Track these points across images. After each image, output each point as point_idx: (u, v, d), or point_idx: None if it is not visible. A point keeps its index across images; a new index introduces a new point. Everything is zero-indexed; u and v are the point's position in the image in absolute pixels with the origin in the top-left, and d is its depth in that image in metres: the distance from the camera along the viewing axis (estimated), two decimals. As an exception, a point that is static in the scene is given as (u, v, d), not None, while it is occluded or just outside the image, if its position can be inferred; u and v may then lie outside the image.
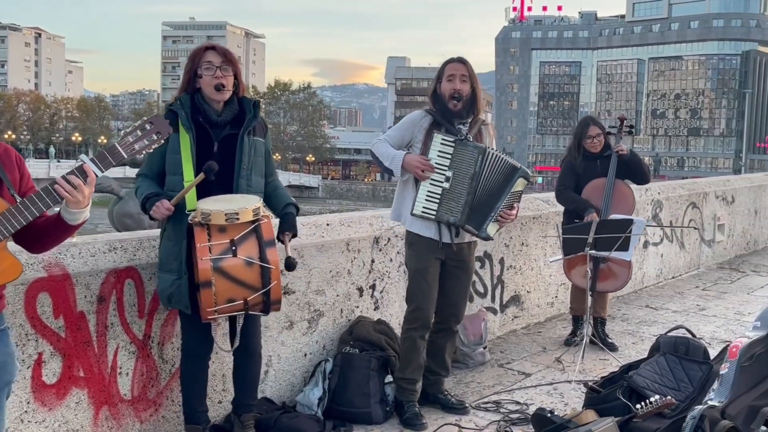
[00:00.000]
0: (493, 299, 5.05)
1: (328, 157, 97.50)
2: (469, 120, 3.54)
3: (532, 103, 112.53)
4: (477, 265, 4.85)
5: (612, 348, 4.75)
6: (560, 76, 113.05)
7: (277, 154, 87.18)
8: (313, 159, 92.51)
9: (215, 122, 2.97)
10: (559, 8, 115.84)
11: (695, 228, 7.47)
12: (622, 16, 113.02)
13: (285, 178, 72.87)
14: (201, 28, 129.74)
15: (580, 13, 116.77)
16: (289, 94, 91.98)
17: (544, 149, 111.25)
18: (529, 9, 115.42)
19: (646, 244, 6.85)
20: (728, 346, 3.25)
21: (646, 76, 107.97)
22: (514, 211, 3.50)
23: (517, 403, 3.84)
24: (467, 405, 3.73)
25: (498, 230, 3.54)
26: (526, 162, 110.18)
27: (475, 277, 4.85)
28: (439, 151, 3.41)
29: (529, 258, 5.36)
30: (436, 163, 3.40)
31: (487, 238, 3.53)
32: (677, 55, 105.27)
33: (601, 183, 4.76)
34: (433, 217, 3.43)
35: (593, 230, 4.34)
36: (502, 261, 5.11)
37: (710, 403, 3.01)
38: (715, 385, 3.10)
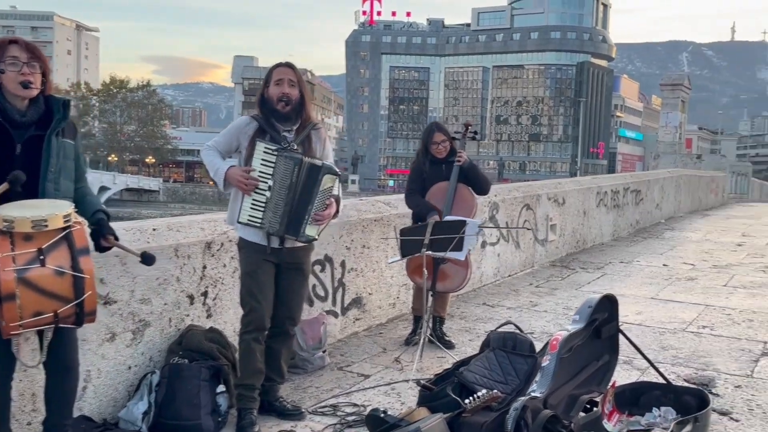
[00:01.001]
0: (334, 302, 5.09)
1: (169, 158, 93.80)
2: (296, 126, 3.57)
3: (383, 106, 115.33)
4: (317, 268, 4.88)
5: (449, 346, 4.96)
6: (410, 81, 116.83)
7: (113, 156, 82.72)
8: (154, 161, 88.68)
9: (18, 122, 2.77)
10: (408, 14, 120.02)
11: (528, 228, 7.96)
12: (468, 25, 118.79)
13: (122, 180, 69.22)
14: (24, 17, 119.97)
15: (428, 20, 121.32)
16: (127, 91, 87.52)
17: (395, 152, 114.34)
18: (379, 14, 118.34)
19: (483, 245, 7.22)
20: (551, 339, 3.50)
21: (491, 83, 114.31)
22: (328, 211, 3.55)
23: (355, 405, 3.90)
24: (303, 410, 3.73)
25: (320, 230, 3.58)
26: (378, 165, 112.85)
27: (315, 281, 4.87)
28: (263, 159, 3.42)
29: (370, 260, 5.47)
30: (260, 172, 3.42)
31: (309, 240, 3.57)
32: (519, 63, 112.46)
33: (444, 186, 4.97)
34: (259, 225, 3.44)
35: (429, 232, 4.51)
36: (343, 264, 5.16)
37: (533, 394, 3.21)
38: (538, 377, 3.33)
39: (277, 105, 3.51)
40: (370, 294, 5.49)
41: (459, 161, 4.93)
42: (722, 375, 4.64)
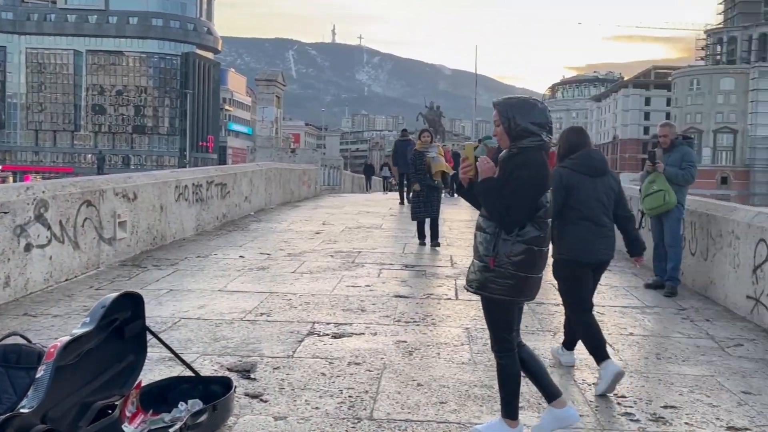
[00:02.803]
0: None
1: None
2: None
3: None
4: None
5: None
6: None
7: None
8: None
9: None
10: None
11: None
12: (54, 2, 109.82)
13: None
14: None
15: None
16: None
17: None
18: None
19: (29, 247, 6.63)
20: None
21: (84, 68, 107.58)
22: None
23: None
24: None
25: None
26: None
27: None
28: None
29: None
30: None
31: None
32: (117, 49, 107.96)
33: None
34: None
35: None
36: None
37: (21, 410, 2.97)
38: (31, 391, 3.09)
39: None
40: None
41: None
42: (265, 359, 4.96)
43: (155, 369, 4.62)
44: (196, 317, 6.06)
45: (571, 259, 4.54)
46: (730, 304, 6.97)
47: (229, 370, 4.73)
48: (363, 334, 5.71)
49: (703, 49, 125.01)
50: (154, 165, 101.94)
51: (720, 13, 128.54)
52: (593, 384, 4.66)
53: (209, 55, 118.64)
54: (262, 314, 6.24)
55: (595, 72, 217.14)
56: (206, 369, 4.70)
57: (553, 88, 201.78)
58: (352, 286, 7.58)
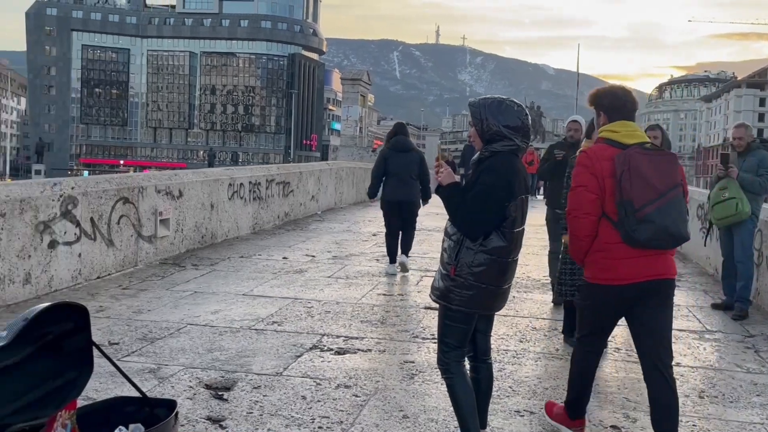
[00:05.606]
0: None
1: None
2: None
3: (74, 89, 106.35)
4: None
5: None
6: (107, 62, 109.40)
7: None
8: None
9: None
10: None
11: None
12: (173, 7, 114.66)
13: None
14: None
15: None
16: None
17: (90, 140, 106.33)
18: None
19: (54, 245, 6.46)
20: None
21: (199, 69, 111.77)
22: None
23: None
24: None
25: None
26: (69, 154, 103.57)
27: None
28: None
29: None
30: None
31: None
32: (229, 51, 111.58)
33: None
34: None
35: None
36: None
37: None
38: None
39: None
40: None
41: None
42: (250, 376, 4.51)
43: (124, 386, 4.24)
44: (203, 324, 5.69)
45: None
46: (805, 333, 5.96)
47: (207, 387, 4.31)
48: (370, 350, 5.17)
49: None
50: (261, 161, 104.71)
51: None
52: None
53: (314, 56, 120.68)
54: (273, 323, 5.80)
55: (705, 71, 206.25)
56: (182, 384, 4.30)
57: (661, 88, 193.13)
58: (384, 294, 7.05)
